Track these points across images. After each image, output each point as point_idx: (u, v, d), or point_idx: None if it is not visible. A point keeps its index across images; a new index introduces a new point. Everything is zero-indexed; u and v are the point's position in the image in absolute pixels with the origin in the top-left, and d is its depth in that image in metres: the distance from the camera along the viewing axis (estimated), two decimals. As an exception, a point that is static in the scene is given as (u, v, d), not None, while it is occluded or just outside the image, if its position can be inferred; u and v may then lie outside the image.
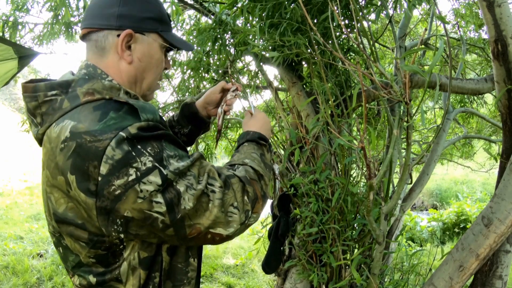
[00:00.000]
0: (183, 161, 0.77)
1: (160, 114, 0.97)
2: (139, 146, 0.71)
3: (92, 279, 0.81)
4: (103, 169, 0.69)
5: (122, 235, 0.75)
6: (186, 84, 2.98)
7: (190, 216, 0.75)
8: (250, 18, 1.68)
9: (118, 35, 0.84)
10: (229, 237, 0.81)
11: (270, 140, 1.07)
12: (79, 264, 0.82)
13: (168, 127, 0.86)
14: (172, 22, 0.98)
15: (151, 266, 0.83)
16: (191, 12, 3.10)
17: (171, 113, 3.70)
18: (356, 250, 1.60)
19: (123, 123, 0.73)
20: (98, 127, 0.72)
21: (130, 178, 0.70)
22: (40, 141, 0.84)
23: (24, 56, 2.48)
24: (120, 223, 0.73)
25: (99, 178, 0.70)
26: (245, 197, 0.83)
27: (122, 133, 0.70)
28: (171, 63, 1.02)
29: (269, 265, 1.72)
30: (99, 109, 0.76)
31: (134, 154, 0.70)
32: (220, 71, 2.60)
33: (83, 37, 0.88)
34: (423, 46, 2.44)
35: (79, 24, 3.37)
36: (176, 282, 0.87)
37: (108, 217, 0.72)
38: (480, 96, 3.41)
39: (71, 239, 0.80)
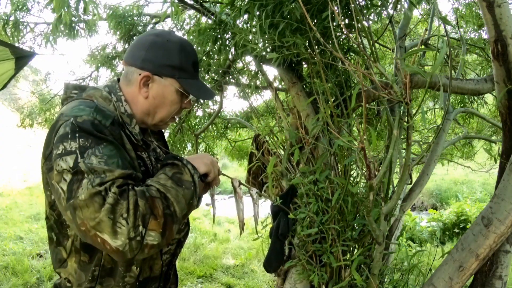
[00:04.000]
0: (105, 164, 0.85)
1: (129, 124, 1.07)
2: (77, 134, 0.87)
3: (51, 234, 1.02)
4: (55, 138, 0.89)
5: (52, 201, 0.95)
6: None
7: (81, 208, 0.82)
8: (250, 18, 1.68)
9: (140, 74, 1.04)
10: (119, 251, 0.82)
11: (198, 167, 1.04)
12: (47, 218, 1.02)
13: (121, 138, 0.95)
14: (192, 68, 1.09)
15: (91, 257, 0.98)
16: (191, 12, 3.10)
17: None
18: (356, 251, 1.60)
19: (80, 112, 0.90)
20: (69, 111, 0.92)
21: (57, 152, 0.86)
22: None
23: (21, 57, 2.48)
24: (51, 188, 0.90)
25: (52, 146, 0.89)
26: (137, 210, 0.84)
27: (72, 119, 0.88)
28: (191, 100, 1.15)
29: (270, 265, 1.73)
30: (82, 103, 0.96)
31: (69, 136, 0.87)
32: (220, 71, 2.60)
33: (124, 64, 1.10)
34: (423, 46, 2.44)
35: (80, 24, 3.38)
36: (113, 282, 0.99)
37: (48, 174, 0.90)
38: (480, 96, 3.41)
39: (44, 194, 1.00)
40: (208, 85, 3.09)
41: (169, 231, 0.89)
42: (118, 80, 1.10)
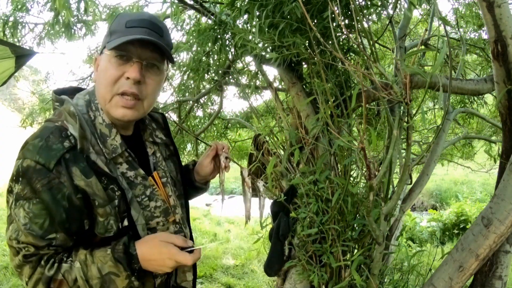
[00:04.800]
0: (28, 223, 0.85)
1: (109, 136, 0.97)
2: (20, 179, 0.86)
3: None
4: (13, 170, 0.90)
5: None
6: (186, 84, 2.99)
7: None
8: (250, 18, 1.68)
9: None
10: None
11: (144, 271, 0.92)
12: None
13: (70, 178, 0.86)
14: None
15: None
16: (191, 12, 3.10)
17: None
18: (356, 251, 1.60)
19: (28, 153, 0.86)
20: (28, 144, 0.88)
21: (7, 187, 0.90)
22: None
23: (21, 55, 2.49)
24: None
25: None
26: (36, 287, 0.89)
27: (21, 160, 0.86)
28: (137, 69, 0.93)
29: (271, 267, 1.72)
30: (42, 130, 0.90)
31: (14, 179, 0.87)
32: (220, 71, 2.60)
33: None
34: (423, 46, 2.44)
35: (78, 24, 3.39)
36: None
37: None
38: (480, 96, 3.40)
39: None
40: (205, 85, 3.08)
41: None
42: None
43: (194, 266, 1.17)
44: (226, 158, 1.19)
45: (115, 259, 0.87)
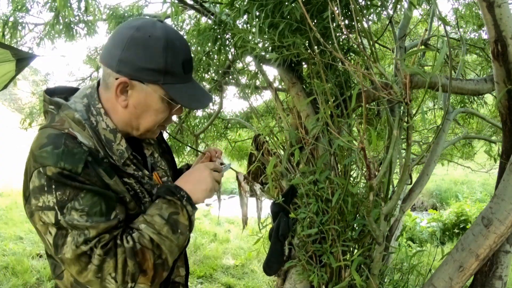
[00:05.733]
0: (88, 218, 0.81)
1: (113, 142, 0.94)
2: (53, 186, 0.80)
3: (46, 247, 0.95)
4: (31, 185, 0.82)
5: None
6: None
7: (68, 264, 0.83)
8: (250, 19, 1.68)
9: (117, 79, 0.88)
10: None
11: (197, 200, 0.96)
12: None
13: (99, 178, 0.84)
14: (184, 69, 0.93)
15: None
16: (191, 12, 3.10)
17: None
18: (356, 251, 1.60)
19: (46, 160, 0.80)
20: (37, 152, 0.82)
21: (38, 204, 0.81)
22: None
23: (21, 58, 2.50)
24: (36, 229, 0.86)
25: (29, 191, 0.83)
26: (126, 270, 0.83)
27: (41, 169, 0.80)
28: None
29: (270, 267, 1.72)
30: (49, 137, 0.84)
31: (45, 189, 0.80)
32: (220, 71, 2.60)
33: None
34: (423, 46, 2.44)
35: (80, 25, 3.39)
36: None
37: (31, 219, 0.86)
38: (480, 96, 3.40)
39: None
40: (205, 85, 3.09)
41: (159, 278, 0.90)
42: (100, 83, 0.96)
43: (186, 262, 1.18)
44: (221, 164, 1.20)
45: (164, 193, 0.92)
